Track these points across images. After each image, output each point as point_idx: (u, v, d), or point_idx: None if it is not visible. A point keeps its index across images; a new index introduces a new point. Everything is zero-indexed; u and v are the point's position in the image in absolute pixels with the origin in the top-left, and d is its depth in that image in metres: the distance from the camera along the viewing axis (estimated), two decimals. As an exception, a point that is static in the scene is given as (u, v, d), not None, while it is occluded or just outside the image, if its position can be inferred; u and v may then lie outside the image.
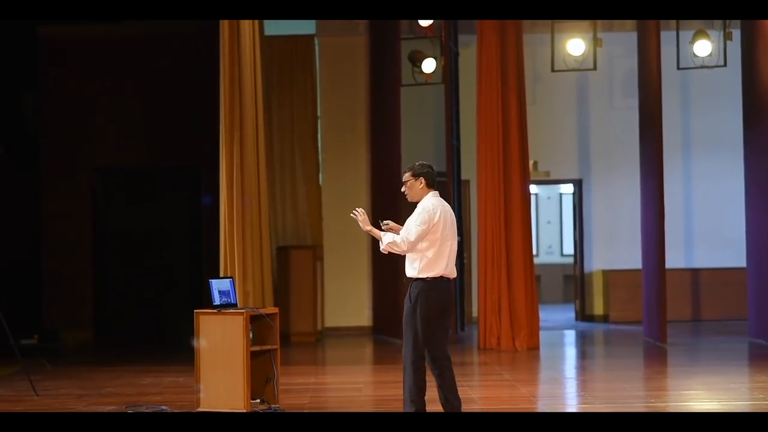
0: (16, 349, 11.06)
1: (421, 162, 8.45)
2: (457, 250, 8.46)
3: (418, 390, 8.25)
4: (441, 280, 8.25)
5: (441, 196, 8.42)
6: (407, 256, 8.30)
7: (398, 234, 8.32)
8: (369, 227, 8.39)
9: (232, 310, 9.39)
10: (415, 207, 8.40)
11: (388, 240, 8.28)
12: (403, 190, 8.44)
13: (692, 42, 16.02)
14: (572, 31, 16.27)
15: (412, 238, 8.19)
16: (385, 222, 8.43)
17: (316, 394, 10.77)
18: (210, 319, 9.37)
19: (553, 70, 16.47)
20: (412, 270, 8.27)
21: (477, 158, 14.41)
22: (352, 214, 8.49)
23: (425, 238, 8.21)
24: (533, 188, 20.17)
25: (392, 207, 13.63)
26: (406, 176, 8.41)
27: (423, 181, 8.36)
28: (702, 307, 17.22)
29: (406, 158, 14.44)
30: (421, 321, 8.21)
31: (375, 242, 15.88)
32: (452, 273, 8.33)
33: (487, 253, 14.16)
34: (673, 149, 16.67)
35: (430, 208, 8.26)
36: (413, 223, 8.23)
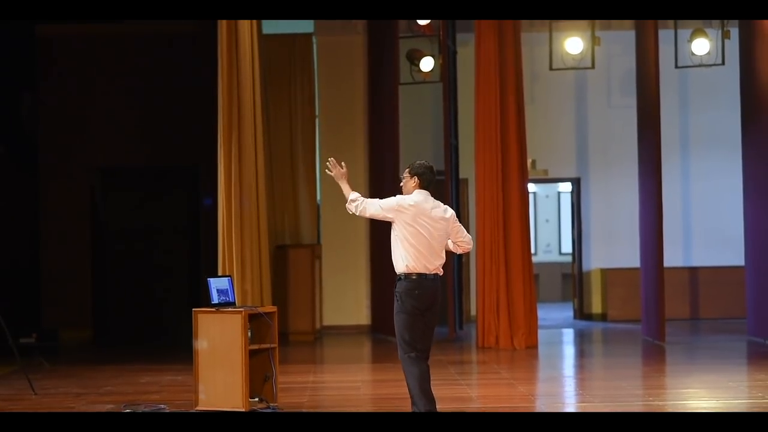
0: (15, 348, 11.05)
1: (422, 162, 8.39)
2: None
3: (420, 386, 8.21)
4: (422, 277, 8.16)
5: (439, 194, 8.42)
6: (394, 253, 8.24)
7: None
8: (342, 181, 8.44)
9: (230, 309, 9.39)
10: None
11: (351, 198, 8.35)
12: (401, 185, 8.48)
13: (690, 40, 16.01)
14: (570, 29, 16.27)
15: (367, 210, 8.23)
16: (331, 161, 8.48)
17: (315, 393, 10.78)
18: (208, 318, 9.38)
19: (551, 69, 16.47)
20: (398, 267, 8.23)
21: (475, 157, 14.40)
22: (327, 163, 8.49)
23: (399, 232, 8.18)
24: (531, 187, 20.15)
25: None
26: (405, 173, 8.45)
27: (417, 180, 8.35)
28: (700, 305, 17.22)
29: (405, 157, 14.44)
30: (406, 319, 8.13)
31: (374, 241, 16.12)
32: (437, 270, 8.23)
33: (485, 251, 14.16)
34: (671, 148, 16.68)
35: (402, 197, 8.27)
36: (378, 201, 8.28)
